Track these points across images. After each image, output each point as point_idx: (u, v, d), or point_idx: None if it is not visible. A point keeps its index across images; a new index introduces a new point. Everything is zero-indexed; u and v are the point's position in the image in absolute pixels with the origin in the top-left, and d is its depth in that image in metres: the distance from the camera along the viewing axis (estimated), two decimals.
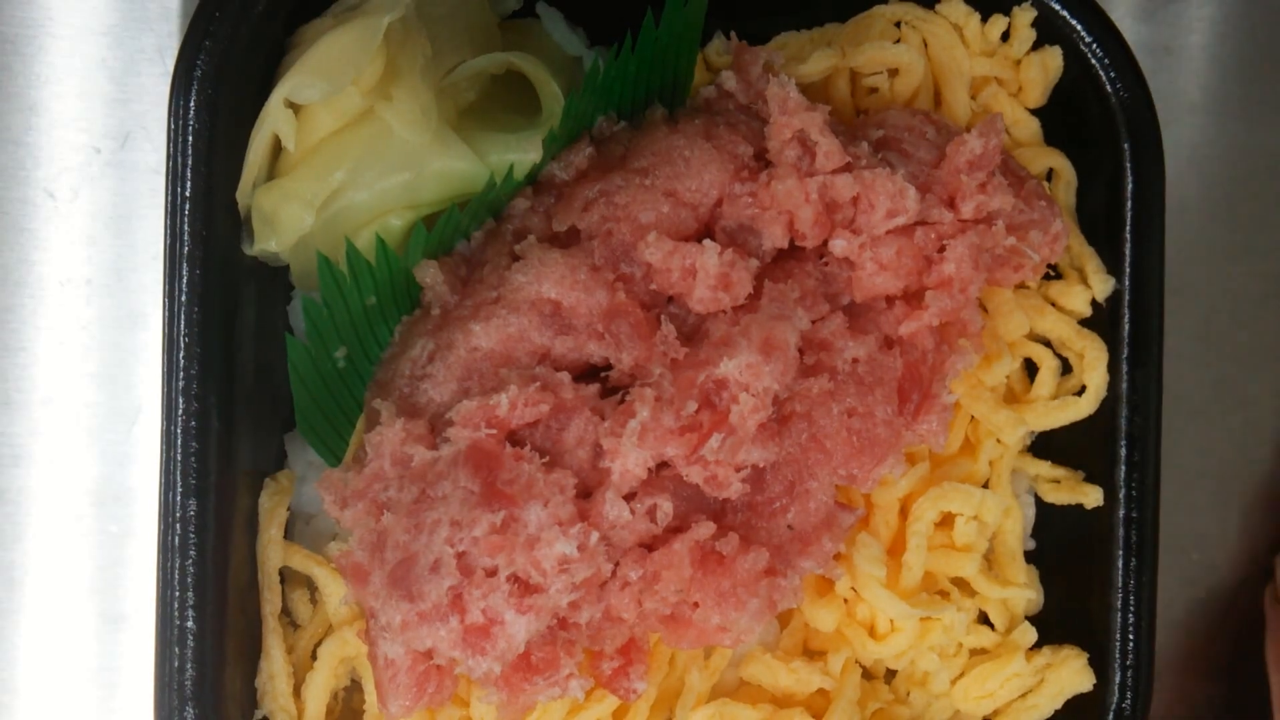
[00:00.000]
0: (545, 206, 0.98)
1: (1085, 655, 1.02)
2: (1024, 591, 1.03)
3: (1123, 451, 1.02)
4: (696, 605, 0.90)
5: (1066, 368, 1.05)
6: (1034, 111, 1.06)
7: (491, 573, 0.86)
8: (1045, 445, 1.07)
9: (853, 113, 1.06)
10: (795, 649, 1.02)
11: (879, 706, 1.03)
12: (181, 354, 0.93)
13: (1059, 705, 1.03)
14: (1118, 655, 1.01)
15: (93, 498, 1.14)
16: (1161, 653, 1.03)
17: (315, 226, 0.96)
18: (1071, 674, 1.02)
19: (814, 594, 1.01)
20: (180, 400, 0.93)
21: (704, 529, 0.89)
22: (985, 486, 1.04)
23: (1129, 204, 1.01)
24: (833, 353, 0.92)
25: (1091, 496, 1.03)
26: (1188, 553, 1.23)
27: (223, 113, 0.94)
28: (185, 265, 0.93)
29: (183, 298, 0.93)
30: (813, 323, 0.92)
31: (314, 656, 0.99)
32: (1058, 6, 1.02)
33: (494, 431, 0.88)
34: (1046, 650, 1.04)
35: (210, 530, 0.94)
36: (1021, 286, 1.04)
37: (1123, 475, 1.02)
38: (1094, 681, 1.02)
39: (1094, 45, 1.01)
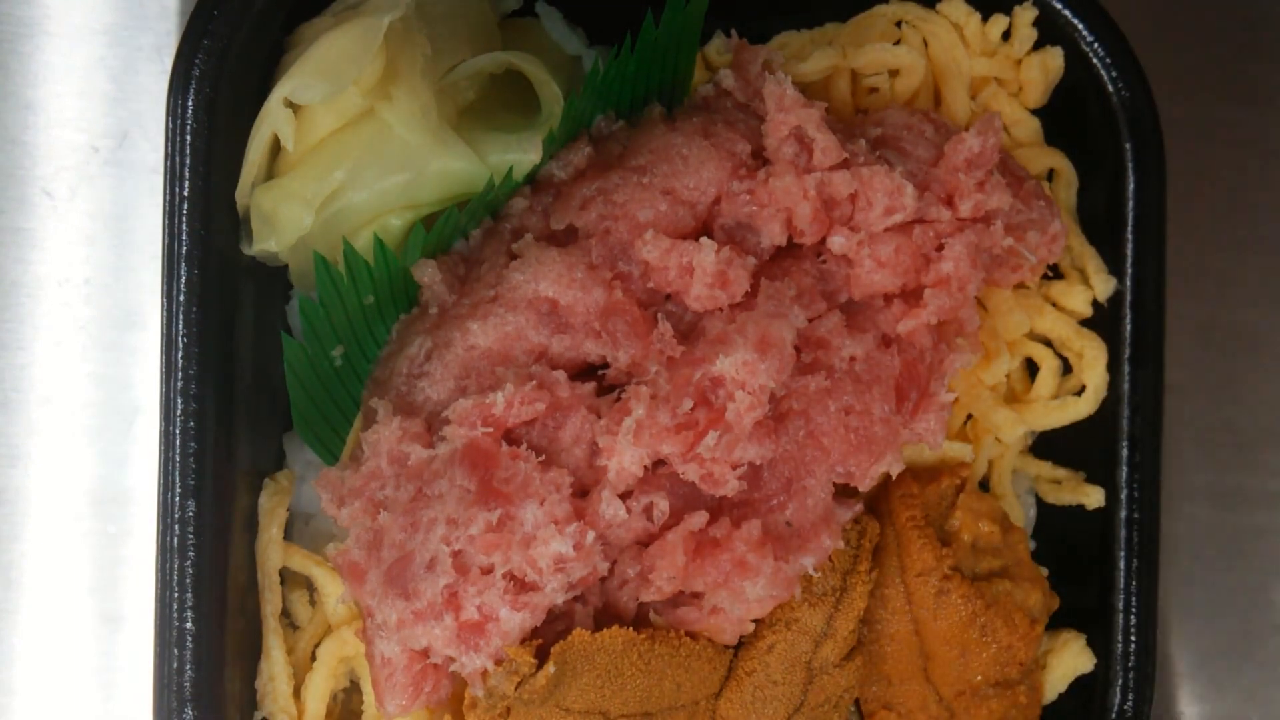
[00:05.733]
0: (543, 205, 0.98)
1: (1083, 636, 1.03)
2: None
3: (1124, 452, 1.01)
4: (697, 596, 0.90)
5: (1068, 368, 1.05)
6: (1035, 111, 1.05)
7: (487, 571, 0.86)
8: (1046, 445, 1.06)
9: (853, 112, 1.05)
10: None
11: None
12: (180, 354, 0.93)
13: (1063, 688, 1.03)
14: (1119, 657, 1.01)
15: (91, 498, 1.14)
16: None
17: (314, 226, 0.96)
18: (1072, 656, 1.02)
19: None
20: (179, 400, 0.93)
21: (697, 519, 0.89)
22: (985, 485, 1.04)
23: (1130, 203, 1.01)
24: (830, 350, 0.92)
25: (1093, 497, 1.02)
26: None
27: (221, 112, 0.94)
28: (184, 265, 0.93)
29: (181, 297, 0.93)
30: (810, 320, 0.92)
31: (313, 658, 0.99)
32: (1059, 6, 1.01)
33: (490, 430, 0.88)
34: (1045, 636, 1.03)
35: (209, 530, 0.93)
36: (1021, 286, 1.04)
37: (1124, 476, 1.01)
38: (1094, 661, 1.02)
39: (1095, 45, 1.01)
